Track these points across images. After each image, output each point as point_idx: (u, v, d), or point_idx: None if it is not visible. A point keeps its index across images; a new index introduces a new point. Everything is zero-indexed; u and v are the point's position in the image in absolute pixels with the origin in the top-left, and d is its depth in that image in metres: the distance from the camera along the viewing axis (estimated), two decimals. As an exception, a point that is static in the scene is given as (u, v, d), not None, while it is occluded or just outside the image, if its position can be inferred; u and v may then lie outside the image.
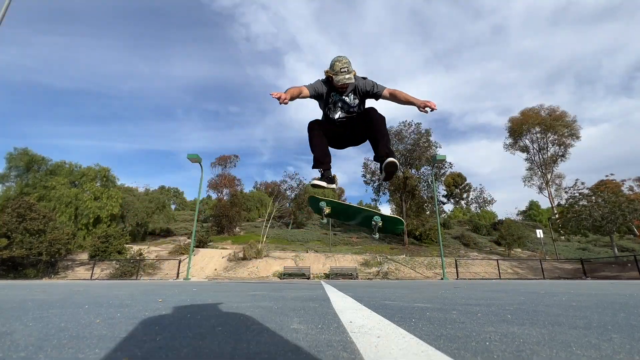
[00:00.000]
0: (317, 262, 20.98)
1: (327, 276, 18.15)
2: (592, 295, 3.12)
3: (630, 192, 23.08)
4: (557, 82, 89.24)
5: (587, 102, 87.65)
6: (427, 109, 2.98)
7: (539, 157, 40.79)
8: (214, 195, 50.40)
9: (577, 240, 30.60)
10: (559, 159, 39.44)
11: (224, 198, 44.39)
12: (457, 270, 18.55)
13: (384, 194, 34.66)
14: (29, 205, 19.47)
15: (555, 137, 38.94)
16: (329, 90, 3.12)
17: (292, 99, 2.99)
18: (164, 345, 0.93)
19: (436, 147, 32.20)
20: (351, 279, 17.11)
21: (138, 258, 19.17)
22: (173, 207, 50.12)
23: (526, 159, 41.91)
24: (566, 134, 38.40)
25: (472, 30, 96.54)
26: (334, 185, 3.21)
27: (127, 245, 22.26)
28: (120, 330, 1.17)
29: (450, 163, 33.02)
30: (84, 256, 21.51)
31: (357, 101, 3.20)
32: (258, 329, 1.21)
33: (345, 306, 2.06)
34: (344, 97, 3.13)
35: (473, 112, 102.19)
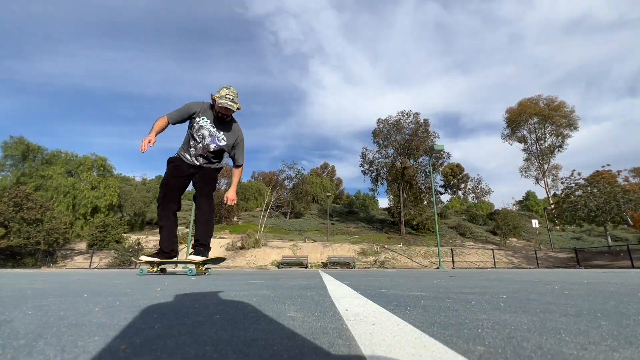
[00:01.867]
0: (314, 252, 21.16)
1: (324, 265, 18.34)
2: (584, 283, 3.18)
3: (626, 183, 23.29)
4: (569, 86, 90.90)
5: (592, 101, 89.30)
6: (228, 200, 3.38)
7: (537, 147, 40.91)
8: (211, 185, 50.39)
9: (572, 230, 31.00)
10: (556, 150, 39.58)
11: (222, 188, 44.38)
12: (453, 259, 18.79)
13: (381, 184, 34.75)
14: (25, 194, 19.40)
15: (553, 127, 38.98)
16: (200, 113, 3.15)
17: (157, 133, 3.15)
18: (162, 332, 0.94)
19: (434, 137, 32.18)
20: (348, 268, 17.31)
21: (136, 247, 19.27)
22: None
23: (523, 150, 42.06)
24: (564, 125, 38.43)
25: (490, 39, 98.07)
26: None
27: (125, 235, 22.34)
28: (119, 318, 1.19)
29: (448, 153, 33.08)
30: (83, 245, 21.58)
31: (224, 142, 3.19)
32: (255, 316, 1.23)
33: (341, 294, 2.09)
34: (210, 126, 3.11)
35: (483, 112, 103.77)
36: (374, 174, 34.33)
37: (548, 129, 39.16)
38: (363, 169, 34.74)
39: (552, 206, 29.46)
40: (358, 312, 1.32)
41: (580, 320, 1.14)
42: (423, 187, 32.52)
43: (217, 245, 22.41)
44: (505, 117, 42.11)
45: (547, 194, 39.67)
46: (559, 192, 28.98)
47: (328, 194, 36.94)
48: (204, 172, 3.34)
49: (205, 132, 3.15)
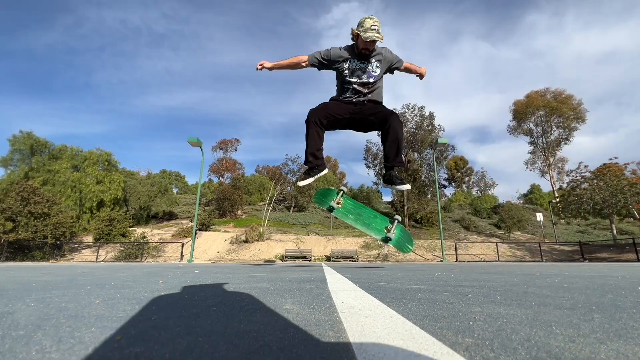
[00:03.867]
0: (318, 245, 21.27)
1: (327, 258, 18.45)
2: (585, 277, 3.16)
3: (633, 176, 22.97)
4: (599, 105, 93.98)
5: (613, 114, 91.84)
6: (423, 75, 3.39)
7: (543, 140, 40.40)
8: (215, 179, 50.66)
9: (577, 223, 30.75)
10: (563, 143, 39.08)
11: (226, 182, 44.60)
12: (456, 252, 18.79)
13: (385, 177, 34.63)
14: (32, 189, 19.66)
15: (560, 120, 38.42)
16: (348, 57, 3.00)
17: (279, 68, 3.12)
18: (158, 324, 0.96)
19: (439, 131, 31.91)
20: (352, 261, 17.40)
21: (142, 241, 19.49)
22: (175, 190, 50.47)
23: (529, 143, 41.57)
24: (571, 117, 37.85)
25: (529, 68, 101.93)
26: (324, 172, 3.21)
27: (131, 229, 22.60)
28: (117, 311, 1.21)
29: (452, 146, 32.82)
30: (89, 239, 21.89)
31: (378, 70, 3.09)
32: (252, 308, 1.25)
33: (340, 287, 2.10)
34: (365, 64, 3.01)
35: (507, 121, 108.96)
36: (377, 167, 34.24)
37: (555, 121, 38.62)
38: (366, 162, 34.64)
39: (558, 199, 29.21)
40: (353, 305, 1.34)
41: (574, 313, 1.14)
42: (427, 180, 32.39)
43: (222, 239, 22.60)
44: (512, 109, 41.60)
45: (553, 187, 39.30)
46: (564, 186, 28.71)
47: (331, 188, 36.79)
48: (370, 105, 3.18)
49: (360, 72, 3.02)
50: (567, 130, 38.51)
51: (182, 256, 17.99)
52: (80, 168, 28.12)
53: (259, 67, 3.13)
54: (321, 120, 3.07)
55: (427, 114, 32.18)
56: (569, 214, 24.62)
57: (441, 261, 15.74)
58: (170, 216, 32.27)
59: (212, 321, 1.00)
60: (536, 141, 41.06)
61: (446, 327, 0.93)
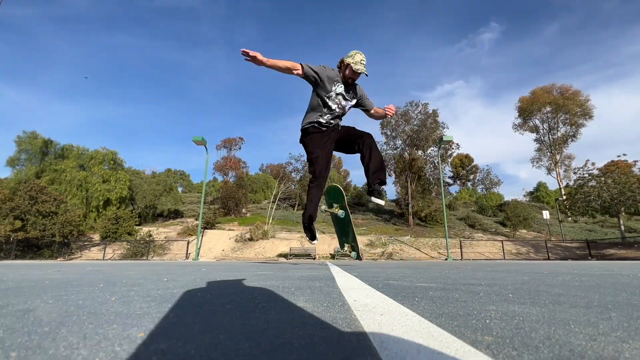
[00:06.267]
0: (322, 243, 21.27)
1: (332, 256, 18.47)
2: (595, 275, 3.14)
3: (642, 173, 22.65)
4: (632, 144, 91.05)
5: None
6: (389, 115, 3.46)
7: (549, 137, 39.96)
8: (220, 178, 50.91)
9: (584, 221, 30.44)
10: (569, 139, 38.62)
11: (230, 180, 44.78)
12: (461, 250, 18.71)
13: (389, 175, 34.54)
14: (40, 188, 19.91)
15: (567, 116, 37.94)
16: (336, 80, 3.15)
17: (269, 66, 2.97)
18: (177, 321, 0.98)
19: (443, 128, 31.70)
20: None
21: (148, 239, 19.66)
22: (180, 189, 50.77)
23: (535, 140, 41.14)
24: (578, 114, 37.36)
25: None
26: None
27: (137, 227, 22.79)
28: (135, 308, 1.23)
29: (457, 144, 32.57)
30: (97, 237, 22.13)
31: (354, 101, 3.30)
32: (266, 306, 1.26)
33: (349, 286, 2.11)
34: (344, 92, 3.19)
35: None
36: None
37: (561, 118, 38.15)
38: (371, 161, 34.56)
39: (565, 197, 28.91)
40: (366, 303, 1.34)
41: (590, 311, 1.14)
42: (431, 178, 32.24)
43: (226, 237, 22.71)
44: (517, 106, 41.15)
45: (559, 185, 38.90)
46: (571, 183, 28.39)
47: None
48: (345, 129, 3.41)
49: (341, 98, 3.21)
50: (574, 127, 38.03)
51: (187, 254, 18.12)
52: (87, 167, 28.40)
53: (248, 55, 2.84)
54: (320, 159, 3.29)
55: (430, 110, 31.97)
56: (576, 212, 24.37)
57: (446, 259, 15.68)
58: (175, 214, 32.49)
59: (230, 319, 1.01)
60: (542, 138, 40.62)
61: (463, 325, 0.93)
